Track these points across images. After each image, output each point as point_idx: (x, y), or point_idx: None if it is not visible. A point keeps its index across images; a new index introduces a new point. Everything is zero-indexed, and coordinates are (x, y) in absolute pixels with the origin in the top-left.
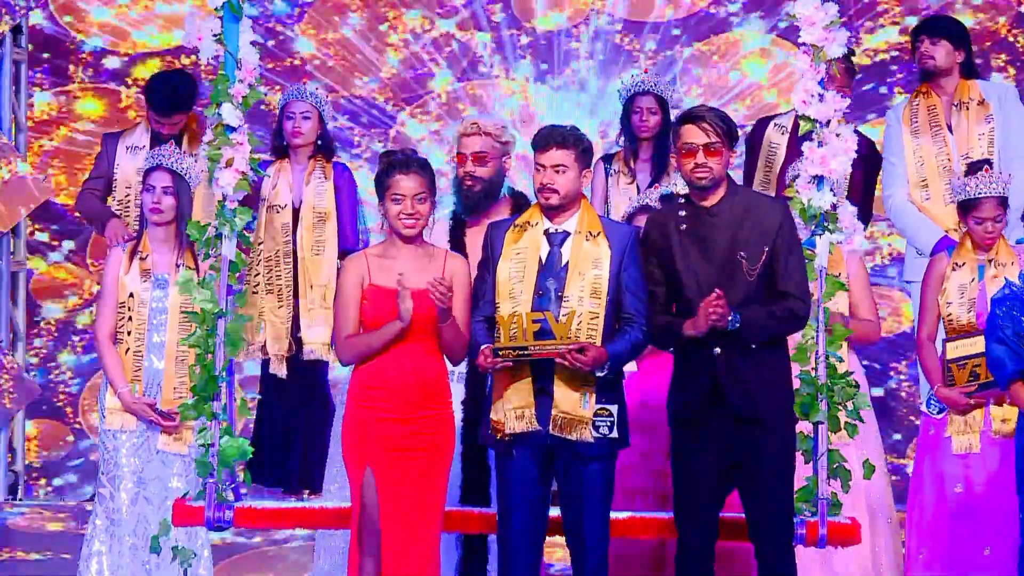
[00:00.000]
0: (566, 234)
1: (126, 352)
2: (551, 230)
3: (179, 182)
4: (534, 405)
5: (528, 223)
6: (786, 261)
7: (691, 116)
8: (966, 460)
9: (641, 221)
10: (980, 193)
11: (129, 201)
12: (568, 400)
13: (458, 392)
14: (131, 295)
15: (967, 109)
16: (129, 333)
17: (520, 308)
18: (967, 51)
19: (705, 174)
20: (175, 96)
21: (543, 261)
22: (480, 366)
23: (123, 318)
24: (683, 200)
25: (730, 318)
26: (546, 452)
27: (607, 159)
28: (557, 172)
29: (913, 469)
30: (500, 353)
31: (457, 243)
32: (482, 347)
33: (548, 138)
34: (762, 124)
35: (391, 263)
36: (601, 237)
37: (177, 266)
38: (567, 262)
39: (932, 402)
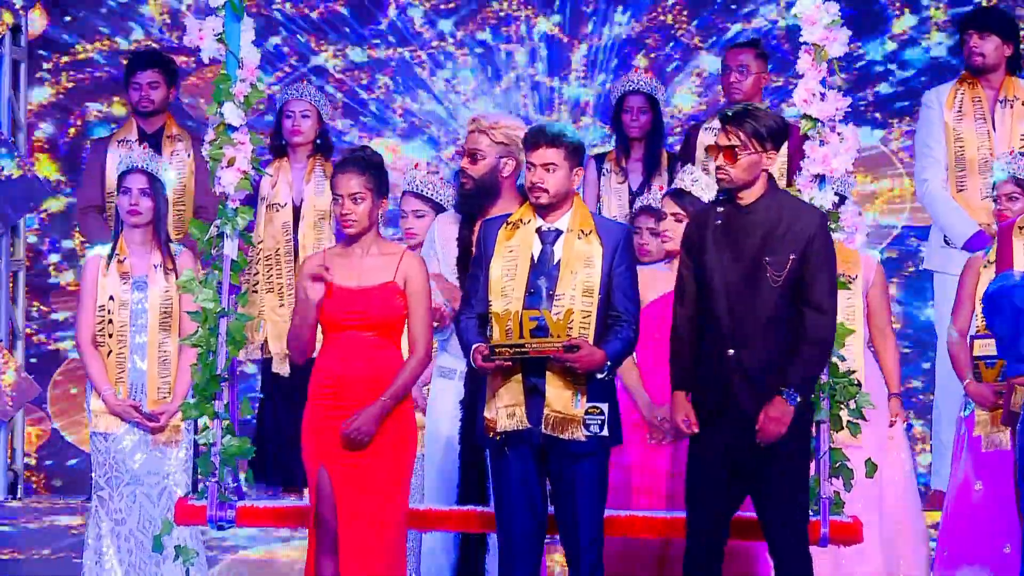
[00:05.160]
0: (558, 232)
1: (108, 355)
2: (543, 228)
3: (155, 184)
4: (524, 403)
5: (520, 221)
6: (815, 273)
7: (719, 116)
8: (988, 457)
9: (644, 222)
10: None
11: None
12: (560, 399)
13: (457, 391)
14: (111, 298)
15: (1011, 107)
16: (111, 336)
17: (512, 306)
18: (1015, 45)
19: (722, 176)
20: (152, 53)
21: (535, 259)
22: (477, 365)
23: (103, 321)
24: (724, 196)
25: (785, 396)
26: (539, 450)
27: (599, 158)
28: (547, 171)
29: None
30: (497, 351)
31: (464, 244)
32: (477, 346)
33: (538, 137)
34: (695, 130)
35: (348, 261)
36: (593, 235)
37: (155, 267)
38: (559, 260)
39: (966, 402)
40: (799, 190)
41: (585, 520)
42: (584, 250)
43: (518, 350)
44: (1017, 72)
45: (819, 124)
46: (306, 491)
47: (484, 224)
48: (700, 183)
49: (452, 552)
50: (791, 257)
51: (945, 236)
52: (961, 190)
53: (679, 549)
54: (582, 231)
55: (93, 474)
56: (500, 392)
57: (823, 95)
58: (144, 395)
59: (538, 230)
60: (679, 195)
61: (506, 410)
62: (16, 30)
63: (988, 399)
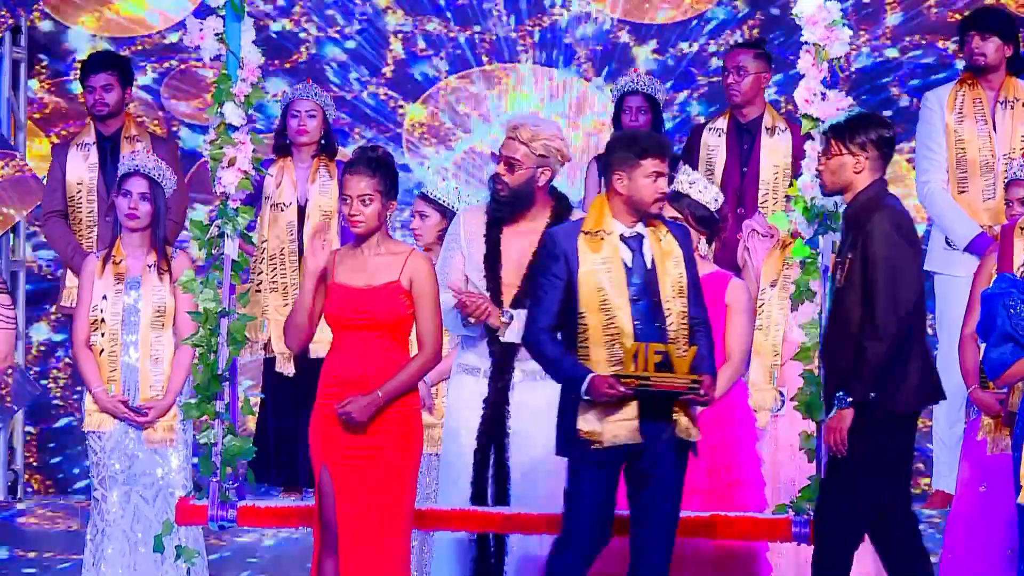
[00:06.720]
0: (640, 236)
1: (100, 353)
2: (625, 234)
3: (155, 188)
4: (639, 416)
5: (603, 231)
6: (870, 282)
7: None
8: (994, 461)
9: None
10: (1011, 175)
11: (81, 198)
12: (683, 406)
13: (481, 389)
14: (104, 297)
15: (1012, 108)
16: (103, 335)
17: (619, 318)
18: (1016, 45)
19: (820, 181)
20: (105, 54)
21: (628, 267)
22: (604, 395)
23: (96, 320)
24: None
25: (836, 403)
26: (625, 457)
27: (600, 159)
28: (664, 178)
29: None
30: (623, 381)
31: (493, 243)
32: (598, 376)
33: (664, 145)
34: (697, 130)
35: (355, 261)
36: (669, 235)
37: (149, 267)
38: (652, 265)
39: (970, 404)
40: (800, 190)
41: (674, 508)
42: (670, 250)
43: (644, 383)
44: (1018, 72)
45: (820, 124)
46: (308, 491)
47: (558, 235)
48: (697, 185)
49: (468, 552)
50: (848, 256)
51: (947, 238)
52: (963, 192)
53: (680, 548)
54: (660, 232)
55: (91, 474)
56: (607, 405)
57: (824, 95)
58: (137, 392)
59: (622, 237)
60: (677, 198)
61: (616, 425)
62: (16, 30)
63: (992, 407)
